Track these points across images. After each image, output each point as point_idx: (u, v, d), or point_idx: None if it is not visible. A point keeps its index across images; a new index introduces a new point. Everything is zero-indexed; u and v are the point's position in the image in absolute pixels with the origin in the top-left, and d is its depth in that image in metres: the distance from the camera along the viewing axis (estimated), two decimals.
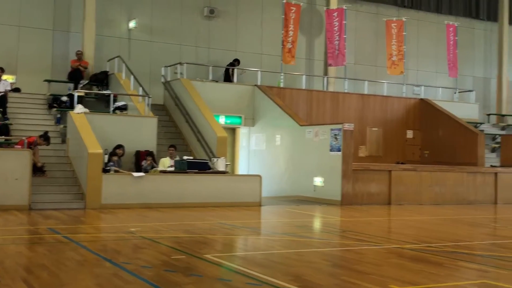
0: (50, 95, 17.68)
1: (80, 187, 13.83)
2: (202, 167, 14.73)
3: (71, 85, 18.08)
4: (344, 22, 21.86)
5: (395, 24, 23.05)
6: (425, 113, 21.82)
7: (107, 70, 18.95)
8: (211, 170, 14.93)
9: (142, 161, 15.09)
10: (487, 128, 23.66)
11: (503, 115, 26.12)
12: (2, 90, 16.17)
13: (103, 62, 19.14)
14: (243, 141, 20.17)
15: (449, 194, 17.61)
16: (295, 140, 17.82)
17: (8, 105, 16.25)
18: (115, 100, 16.98)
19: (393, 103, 21.70)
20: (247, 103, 19.43)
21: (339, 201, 15.86)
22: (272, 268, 7.11)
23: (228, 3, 22.12)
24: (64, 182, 14.11)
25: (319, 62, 23.48)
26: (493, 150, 22.00)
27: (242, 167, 19.88)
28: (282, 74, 21.01)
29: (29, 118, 16.45)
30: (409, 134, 21.63)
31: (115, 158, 14.48)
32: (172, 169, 14.81)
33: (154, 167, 14.90)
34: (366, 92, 22.06)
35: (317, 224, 12.89)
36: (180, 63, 19.22)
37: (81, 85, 17.90)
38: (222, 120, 18.74)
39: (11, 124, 15.69)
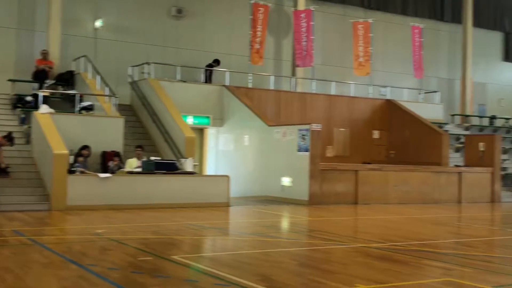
0: (14, 95, 17.35)
1: (45, 188, 13.62)
2: (170, 168, 14.66)
3: (36, 85, 17.79)
4: (311, 23, 22.01)
5: (362, 25, 23.28)
6: (391, 113, 22.10)
7: (73, 69, 18.69)
8: (179, 171, 14.86)
9: (109, 162, 14.94)
10: (452, 129, 24.07)
11: (467, 116, 26.63)
12: None
13: (69, 62, 18.86)
14: (211, 142, 20.12)
15: (414, 193, 17.87)
16: (263, 141, 17.86)
17: None
18: (81, 100, 16.77)
19: (360, 104, 21.92)
20: (215, 104, 19.39)
21: (307, 200, 15.96)
22: (240, 269, 7.11)
23: (195, 3, 22.05)
24: (29, 184, 13.87)
25: (287, 62, 23.57)
26: (457, 150, 22.38)
27: (210, 168, 19.84)
28: (251, 74, 21.03)
29: None
30: (376, 134, 21.87)
31: (81, 159, 14.30)
32: (139, 170, 14.70)
33: (121, 168, 14.76)
34: (333, 92, 22.23)
35: (285, 224, 12.94)
36: (148, 63, 19.08)
37: (47, 85, 17.62)
38: (190, 120, 18.66)
39: None
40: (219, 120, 19.50)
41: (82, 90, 17.57)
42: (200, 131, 19.66)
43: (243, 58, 21.55)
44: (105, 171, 14.35)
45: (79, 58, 18.46)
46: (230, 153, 19.44)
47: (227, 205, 14.84)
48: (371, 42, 23.16)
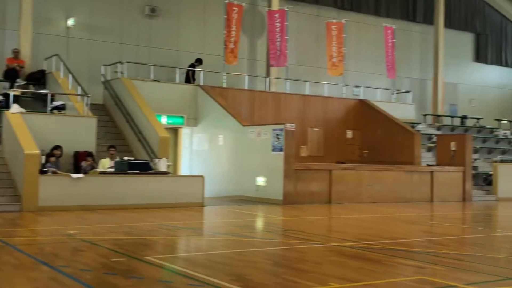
0: None
1: (16, 189, 13.42)
2: (144, 168, 14.55)
3: (7, 84, 17.51)
4: (285, 23, 22.07)
5: (335, 26, 23.42)
6: (364, 113, 22.27)
7: (45, 68, 18.46)
8: (152, 171, 14.77)
9: (81, 162, 14.77)
10: (423, 128, 24.35)
11: (439, 116, 26.98)
12: None
13: (40, 61, 18.63)
14: (185, 141, 20.05)
15: (387, 192, 18.03)
16: (237, 140, 17.85)
17: None
18: (52, 100, 16.54)
19: (334, 104, 22.05)
20: (189, 103, 19.32)
21: (281, 200, 15.99)
22: (214, 269, 7.10)
23: (169, 2, 21.95)
24: (0, 184, 13.65)
25: (261, 62, 23.60)
26: (429, 149, 22.65)
27: (184, 168, 19.77)
28: (225, 74, 21.00)
29: None
30: (349, 134, 22.03)
31: (52, 159, 14.12)
32: (113, 170, 14.57)
33: (94, 168, 14.62)
34: (307, 92, 22.33)
35: (259, 223, 12.95)
36: (121, 62, 18.93)
37: (18, 84, 17.36)
38: (164, 120, 18.57)
39: None
40: (194, 120, 19.43)
41: (54, 90, 17.36)
42: (174, 131, 19.57)
43: (217, 57, 21.50)
44: (77, 171, 14.20)
45: (51, 57, 18.24)
46: (204, 153, 19.38)
47: (201, 205, 14.79)
48: (344, 43, 23.32)
